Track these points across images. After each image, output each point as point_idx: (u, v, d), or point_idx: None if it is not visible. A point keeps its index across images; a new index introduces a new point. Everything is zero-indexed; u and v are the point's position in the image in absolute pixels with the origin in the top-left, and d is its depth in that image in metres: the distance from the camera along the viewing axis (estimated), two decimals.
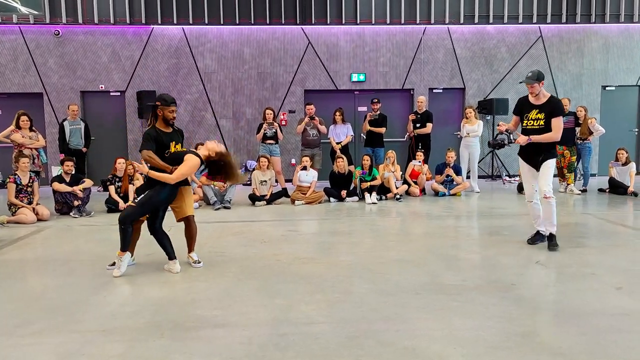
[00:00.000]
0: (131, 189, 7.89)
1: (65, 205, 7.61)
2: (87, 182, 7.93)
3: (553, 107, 5.09)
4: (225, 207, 8.18)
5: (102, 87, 11.61)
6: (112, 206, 7.85)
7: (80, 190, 7.61)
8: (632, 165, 9.30)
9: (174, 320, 3.41)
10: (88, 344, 3.05)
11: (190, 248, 4.84)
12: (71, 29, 11.45)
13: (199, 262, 4.76)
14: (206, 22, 11.58)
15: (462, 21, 11.94)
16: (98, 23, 11.46)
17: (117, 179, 8.03)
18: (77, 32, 11.47)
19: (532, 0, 11.97)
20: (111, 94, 11.72)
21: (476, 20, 11.95)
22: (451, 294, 3.88)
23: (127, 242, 4.46)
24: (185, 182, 4.69)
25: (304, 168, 8.86)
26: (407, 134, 10.29)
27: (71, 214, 7.54)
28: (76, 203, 7.55)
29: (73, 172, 7.87)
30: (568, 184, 9.49)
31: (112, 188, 7.97)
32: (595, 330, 3.17)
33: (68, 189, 7.58)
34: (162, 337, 3.14)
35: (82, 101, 11.64)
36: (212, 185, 8.34)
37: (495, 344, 2.98)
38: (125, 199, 7.86)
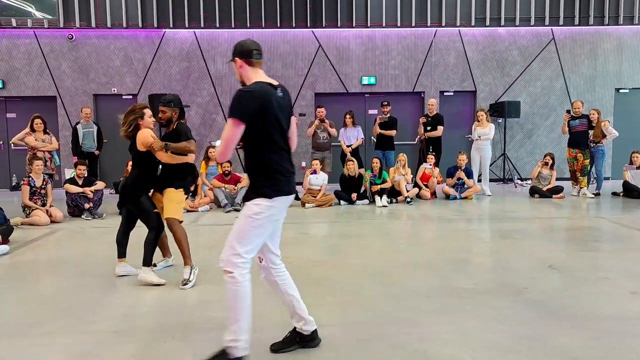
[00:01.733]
0: None
1: (76, 208, 7.68)
2: (99, 184, 7.99)
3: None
4: (235, 210, 8.20)
5: (114, 91, 11.72)
6: None
7: (90, 191, 7.68)
8: None
9: (185, 322, 3.43)
10: (99, 345, 3.07)
11: (184, 260, 4.33)
12: (84, 33, 11.58)
13: (190, 282, 4.18)
14: (217, 25, 11.65)
15: (473, 24, 11.88)
16: (111, 27, 11.58)
17: None
18: (90, 36, 11.60)
19: (545, 2, 11.89)
20: (123, 97, 11.82)
21: (487, 23, 11.89)
22: (462, 297, 3.85)
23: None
24: (168, 185, 4.50)
25: (314, 172, 8.86)
26: (418, 136, 10.25)
27: (83, 216, 7.60)
28: (87, 206, 7.61)
29: (85, 176, 7.94)
30: (581, 188, 9.40)
31: None
32: (609, 334, 3.12)
33: (79, 189, 7.66)
34: (173, 339, 3.16)
35: (95, 104, 11.76)
36: (223, 188, 8.38)
37: (507, 348, 2.95)
38: None
